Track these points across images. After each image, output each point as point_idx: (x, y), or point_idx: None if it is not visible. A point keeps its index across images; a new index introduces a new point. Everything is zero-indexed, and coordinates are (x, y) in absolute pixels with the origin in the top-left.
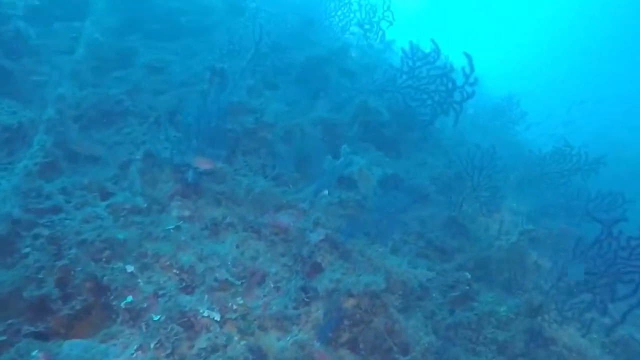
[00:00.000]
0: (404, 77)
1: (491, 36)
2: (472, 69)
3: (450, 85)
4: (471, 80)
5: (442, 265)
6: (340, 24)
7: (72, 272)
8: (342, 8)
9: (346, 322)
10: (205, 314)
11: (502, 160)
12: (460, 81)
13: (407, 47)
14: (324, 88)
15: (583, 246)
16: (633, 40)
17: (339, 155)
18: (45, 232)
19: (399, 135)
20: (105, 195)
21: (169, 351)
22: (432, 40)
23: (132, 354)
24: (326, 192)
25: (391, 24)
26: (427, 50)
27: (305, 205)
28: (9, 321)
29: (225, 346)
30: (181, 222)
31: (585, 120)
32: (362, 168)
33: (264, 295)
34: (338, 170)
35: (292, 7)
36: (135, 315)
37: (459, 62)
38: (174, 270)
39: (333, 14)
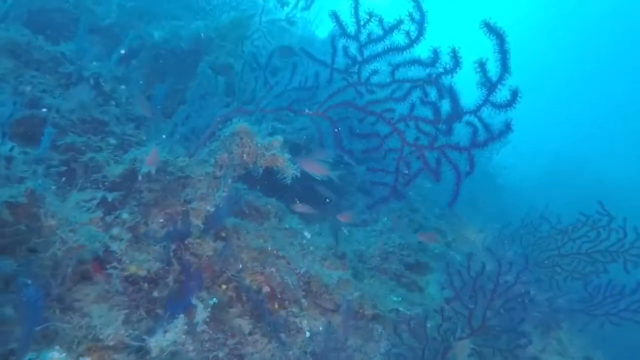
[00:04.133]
0: (338, 80)
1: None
2: (505, 65)
3: (448, 103)
4: (500, 98)
5: None
6: None
7: None
8: None
9: None
10: None
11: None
12: (470, 97)
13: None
14: (182, 100)
15: None
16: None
17: None
18: None
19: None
20: None
21: None
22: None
23: None
24: None
25: None
26: (392, 22)
27: None
28: None
29: None
30: None
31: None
32: None
33: None
34: None
35: None
36: None
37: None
38: None
39: None
